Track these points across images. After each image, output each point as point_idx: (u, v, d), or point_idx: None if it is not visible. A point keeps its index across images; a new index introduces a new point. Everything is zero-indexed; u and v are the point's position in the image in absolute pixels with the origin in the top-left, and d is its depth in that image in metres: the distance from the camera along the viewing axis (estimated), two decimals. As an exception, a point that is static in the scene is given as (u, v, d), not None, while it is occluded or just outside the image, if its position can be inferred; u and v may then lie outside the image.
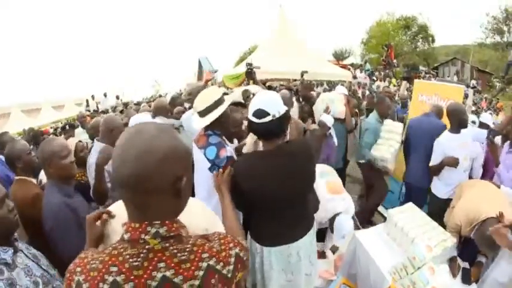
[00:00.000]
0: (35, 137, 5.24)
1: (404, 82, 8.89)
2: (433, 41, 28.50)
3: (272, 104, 1.44)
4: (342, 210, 2.20)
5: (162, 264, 0.65)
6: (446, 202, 2.72)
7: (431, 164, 2.88)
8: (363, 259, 2.18)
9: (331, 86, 10.58)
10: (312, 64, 9.73)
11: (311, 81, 8.84)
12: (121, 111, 7.53)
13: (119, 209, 1.02)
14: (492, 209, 1.90)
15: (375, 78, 15.31)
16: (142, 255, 0.65)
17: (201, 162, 1.69)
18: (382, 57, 19.44)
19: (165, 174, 0.66)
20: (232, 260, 0.73)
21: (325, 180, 2.35)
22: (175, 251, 0.67)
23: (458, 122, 2.73)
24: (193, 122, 1.83)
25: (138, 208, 0.67)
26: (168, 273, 0.65)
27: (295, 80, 6.82)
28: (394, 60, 19.13)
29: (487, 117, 3.63)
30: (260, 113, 1.42)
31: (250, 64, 5.00)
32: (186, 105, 3.97)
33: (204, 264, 0.68)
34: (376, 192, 3.61)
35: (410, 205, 2.43)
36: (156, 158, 0.64)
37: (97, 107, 12.62)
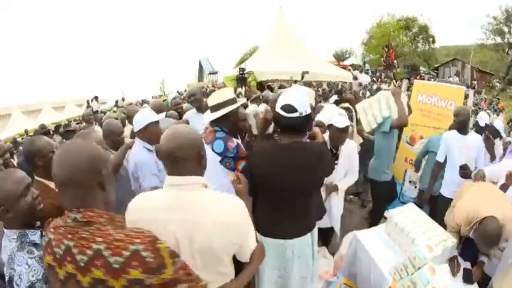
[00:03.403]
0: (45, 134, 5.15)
1: (405, 81, 8.86)
2: (433, 41, 28.48)
3: (301, 101, 1.51)
4: None
5: (69, 237, 0.87)
6: (450, 202, 2.72)
7: (436, 158, 2.95)
8: (364, 259, 2.18)
9: (331, 87, 10.57)
10: (312, 65, 9.76)
11: (311, 81, 8.86)
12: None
13: (137, 203, 1.08)
14: (492, 209, 1.89)
15: (375, 79, 15.29)
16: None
17: (209, 156, 1.77)
18: (383, 58, 19.43)
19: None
20: (127, 254, 0.83)
21: None
22: (87, 231, 0.86)
23: (465, 124, 2.79)
24: (204, 116, 1.97)
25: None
26: (96, 246, 0.83)
27: (295, 81, 6.82)
28: (395, 61, 19.12)
29: (483, 117, 3.66)
30: (288, 108, 1.49)
31: (242, 69, 4.83)
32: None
33: (95, 246, 0.84)
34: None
35: (410, 205, 2.43)
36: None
37: (94, 110, 12.63)
